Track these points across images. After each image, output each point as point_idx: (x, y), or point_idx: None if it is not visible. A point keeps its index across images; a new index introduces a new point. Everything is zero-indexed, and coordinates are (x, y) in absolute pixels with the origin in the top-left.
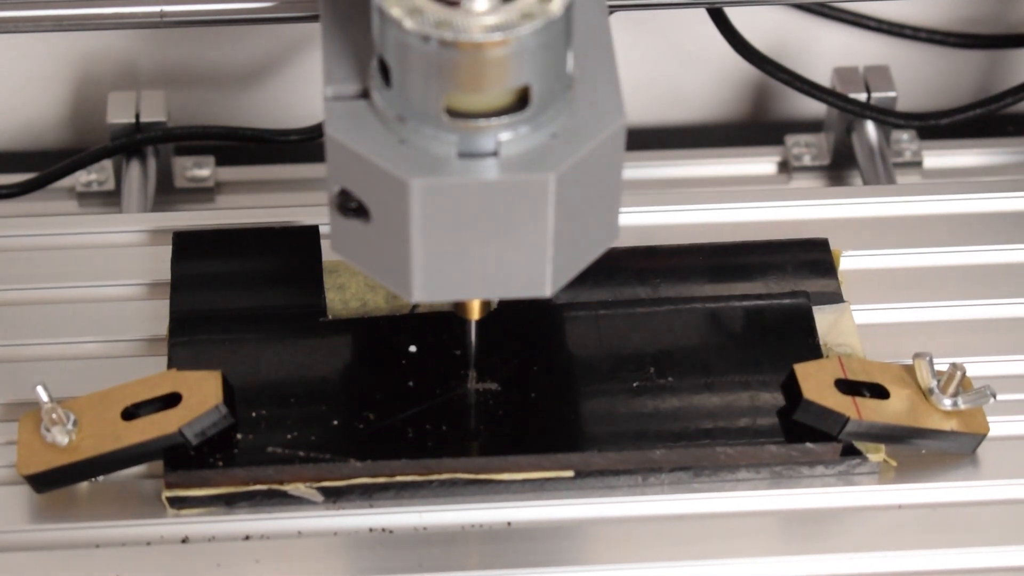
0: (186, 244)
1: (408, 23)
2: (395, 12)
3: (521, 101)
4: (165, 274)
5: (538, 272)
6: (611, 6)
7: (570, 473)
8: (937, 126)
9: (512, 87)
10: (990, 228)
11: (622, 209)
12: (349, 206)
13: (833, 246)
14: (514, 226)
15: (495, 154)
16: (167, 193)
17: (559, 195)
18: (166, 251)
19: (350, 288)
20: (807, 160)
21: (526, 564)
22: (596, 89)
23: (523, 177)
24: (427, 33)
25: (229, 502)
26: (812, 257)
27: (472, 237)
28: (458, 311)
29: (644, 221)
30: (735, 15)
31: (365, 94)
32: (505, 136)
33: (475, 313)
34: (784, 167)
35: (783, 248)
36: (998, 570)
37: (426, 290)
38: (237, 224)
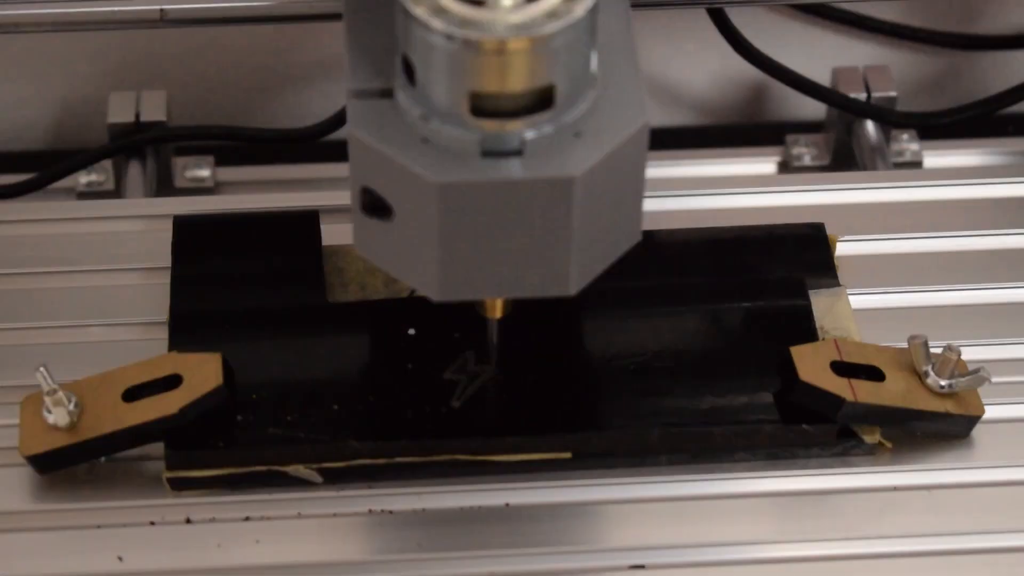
0: (186, 229)
1: (434, 23)
2: (420, 12)
3: (545, 100)
4: (165, 260)
5: (562, 271)
6: None
7: (568, 454)
8: (937, 126)
9: (536, 86)
10: (985, 213)
11: None
12: (372, 205)
13: (829, 231)
14: (538, 225)
15: (519, 153)
16: (167, 193)
17: (583, 194)
18: (166, 237)
19: (349, 272)
20: (807, 160)
21: (525, 545)
22: (619, 89)
23: (547, 176)
24: (452, 32)
25: (230, 483)
26: (809, 242)
27: (496, 236)
28: (480, 310)
29: (643, 207)
30: (735, 15)
31: (388, 93)
32: (529, 135)
33: (498, 312)
34: (784, 167)
35: (780, 233)
36: (993, 552)
37: (449, 289)
38: (237, 209)
